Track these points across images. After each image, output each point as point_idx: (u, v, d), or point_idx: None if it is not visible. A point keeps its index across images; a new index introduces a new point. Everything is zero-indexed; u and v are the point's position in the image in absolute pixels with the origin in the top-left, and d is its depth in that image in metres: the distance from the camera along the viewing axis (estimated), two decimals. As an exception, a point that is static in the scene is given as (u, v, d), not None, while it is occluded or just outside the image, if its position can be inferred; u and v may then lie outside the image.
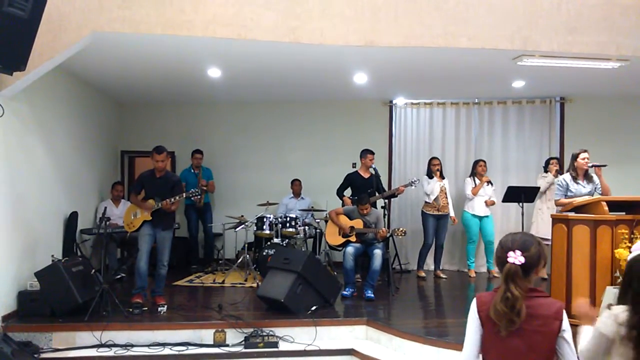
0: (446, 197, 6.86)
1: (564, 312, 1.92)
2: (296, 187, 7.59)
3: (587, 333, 2.14)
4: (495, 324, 1.91)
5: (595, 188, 5.01)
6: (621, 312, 2.05)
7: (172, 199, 5.00)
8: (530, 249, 1.94)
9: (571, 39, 4.87)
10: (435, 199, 6.77)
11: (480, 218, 6.96)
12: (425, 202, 6.86)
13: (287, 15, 4.62)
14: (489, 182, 7.01)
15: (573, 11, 4.86)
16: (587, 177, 5.02)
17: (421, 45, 4.80)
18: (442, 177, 6.92)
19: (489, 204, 6.93)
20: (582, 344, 2.12)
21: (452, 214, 6.93)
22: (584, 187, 4.95)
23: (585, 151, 5.08)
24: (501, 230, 7.33)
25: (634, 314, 2.00)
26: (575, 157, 5.07)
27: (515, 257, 1.91)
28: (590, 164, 4.99)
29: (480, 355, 2.02)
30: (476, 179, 6.97)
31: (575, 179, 4.98)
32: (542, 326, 1.88)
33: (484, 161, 7.06)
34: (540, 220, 6.79)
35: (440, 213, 6.81)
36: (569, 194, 4.95)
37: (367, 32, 4.72)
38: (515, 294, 1.87)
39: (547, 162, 6.95)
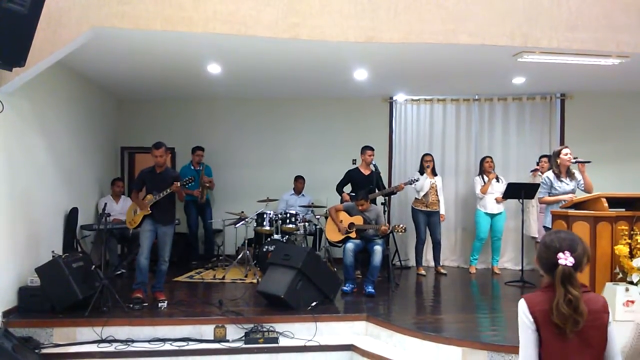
0: (436, 195, 6.86)
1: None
2: (299, 184, 7.57)
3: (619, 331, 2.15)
4: (555, 325, 1.89)
5: (578, 184, 5.01)
6: None
7: (164, 192, 5.00)
8: (577, 248, 1.93)
9: (571, 36, 4.86)
10: (425, 195, 6.78)
11: (493, 216, 6.96)
12: (415, 197, 6.89)
13: (286, 12, 4.61)
14: (497, 178, 6.99)
15: (573, 8, 4.86)
16: (569, 174, 5.02)
17: (421, 42, 4.80)
18: (434, 174, 6.92)
19: (499, 200, 6.91)
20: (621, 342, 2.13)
21: (442, 211, 6.92)
22: (567, 184, 4.95)
23: (566, 147, 5.07)
24: (503, 227, 7.33)
25: None
26: (557, 154, 5.05)
27: (566, 259, 1.90)
28: (574, 160, 4.98)
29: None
30: (484, 176, 6.96)
31: (558, 176, 4.97)
32: (595, 320, 1.90)
33: (491, 157, 7.03)
34: (526, 219, 6.79)
35: (429, 209, 6.82)
36: (552, 191, 4.96)
37: (367, 29, 4.71)
38: (576, 295, 1.86)
39: (539, 160, 6.96)
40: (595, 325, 1.90)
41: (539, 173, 6.82)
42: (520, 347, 1.99)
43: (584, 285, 1.97)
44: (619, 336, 2.10)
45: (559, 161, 5.02)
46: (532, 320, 1.94)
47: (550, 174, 5.02)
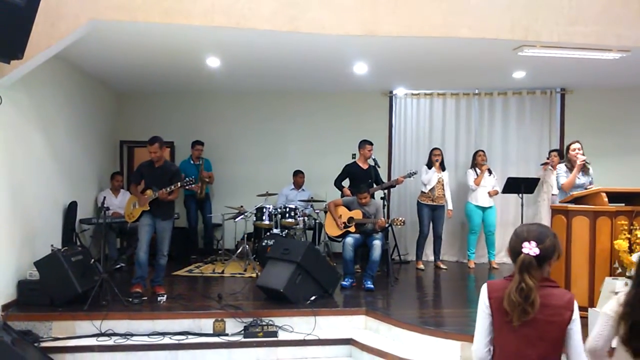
0: (443, 189, 6.86)
1: (575, 302, 1.93)
2: (299, 178, 7.55)
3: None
4: (507, 312, 1.91)
5: (591, 181, 4.98)
6: (623, 294, 2.08)
7: (168, 188, 4.99)
8: (545, 240, 1.93)
9: (572, 30, 4.84)
10: (431, 190, 6.78)
11: (484, 209, 6.96)
12: (422, 191, 6.89)
13: (286, 4, 4.58)
14: (489, 171, 6.99)
15: (574, 1, 4.83)
16: (583, 169, 4.97)
17: (421, 35, 4.77)
18: (442, 168, 6.91)
19: (492, 194, 6.92)
20: (592, 331, 2.13)
21: (449, 206, 6.92)
22: (579, 178, 4.92)
23: (576, 142, 5.02)
24: (500, 222, 7.34)
25: (632, 292, 2.04)
26: (567, 148, 5.05)
27: (530, 248, 1.91)
28: (581, 157, 4.92)
29: (491, 344, 2.00)
30: (477, 169, 6.96)
31: (570, 170, 4.94)
32: (554, 316, 1.89)
33: (483, 151, 7.06)
34: (537, 213, 6.79)
35: (435, 204, 6.82)
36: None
37: (367, 22, 4.69)
38: (529, 284, 1.86)
39: (549, 155, 6.96)
40: (553, 320, 1.90)
41: (549, 167, 6.81)
42: (475, 331, 2.02)
43: (551, 280, 1.98)
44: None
45: (569, 155, 5.00)
46: (487, 305, 1.98)
47: (562, 167, 4.99)
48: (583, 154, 4.91)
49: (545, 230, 1.99)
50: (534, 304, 1.86)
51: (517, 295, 1.87)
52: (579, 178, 4.90)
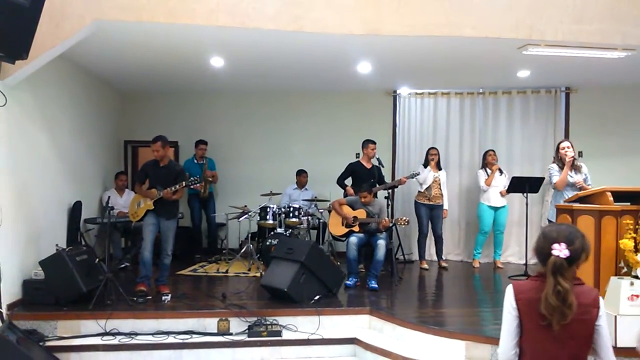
0: (439, 189, 6.84)
1: (600, 299, 1.92)
2: (303, 178, 7.56)
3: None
4: (537, 314, 1.88)
5: (585, 179, 4.96)
6: None
7: (173, 188, 5.00)
8: (575, 242, 1.90)
9: (577, 28, 4.82)
10: (427, 189, 6.77)
11: (496, 209, 6.94)
12: (418, 191, 6.89)
13: (290, 4, 4.59)
14: (500, 170, 6.97)
15: (579, 0, 4.81)
16: (575, 167, 4.96)
17: (425, 34, 4.77)
18: (438, 168, 6.90)
19: (504, 194, 6.90)
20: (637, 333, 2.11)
21: (445, 206, 6.91)
22: (571, 176, 4.92)
23: (565, 140, 5.06)
24: (506, 221, 7.31)
25: None
26: (557, 147, 5.08)
27: (560, 250, 1.87)
28: (571, 154, 4.92)
29: (518, 346, 1.98)
30: (488, 169, 6.94)
31: (562, 168, 4.94)
32: (584, 314, 1.88)
33: (493, 150, 7.03)
34: (545, 211, 6.79)
35: (431, 203, 6.81)
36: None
37: (370, 21, 4.68)
38: (565, 287, 1.83)
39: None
40: (582, 318, 1.88)
41: None
42: (501, 333, 2.00)
43: (577, 278, 1.95)
44: (627, 329, 2.09)
45: (559, 154, 5.04)
46: (515, 306, 1.95)
47: (554, 166, 5.00)
48: (573, 152, 4.94)
49: (575, 231, 1.95)
50: (571, 306, 1.83)
51: (554, 298, 1.83)
52: (571, 176, 4.92)
